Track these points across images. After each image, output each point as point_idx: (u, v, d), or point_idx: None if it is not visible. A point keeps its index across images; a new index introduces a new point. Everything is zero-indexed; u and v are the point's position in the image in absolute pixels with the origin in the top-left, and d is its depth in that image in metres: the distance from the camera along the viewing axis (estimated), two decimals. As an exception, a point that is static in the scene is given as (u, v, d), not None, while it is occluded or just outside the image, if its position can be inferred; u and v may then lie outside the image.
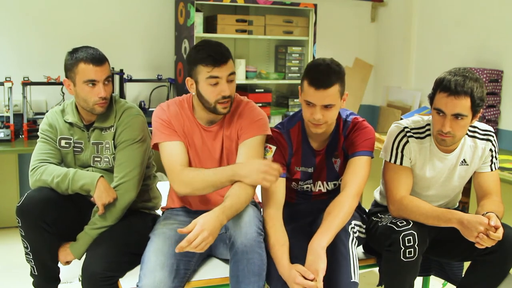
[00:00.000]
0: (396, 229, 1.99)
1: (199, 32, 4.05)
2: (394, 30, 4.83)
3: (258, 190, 2.14)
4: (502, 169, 3.01)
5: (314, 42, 4.40)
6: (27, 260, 2.13)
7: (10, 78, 3.59)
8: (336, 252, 1.97)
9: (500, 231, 1.90)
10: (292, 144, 2.20)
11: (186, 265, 2.01)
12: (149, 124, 2.15)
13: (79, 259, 2.11)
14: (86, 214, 2.18)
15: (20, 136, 3.74)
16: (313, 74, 2.03)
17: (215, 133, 2.14)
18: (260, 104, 4.31)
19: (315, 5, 4.34)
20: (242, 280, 1.88)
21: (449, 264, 2.39)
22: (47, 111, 2.32)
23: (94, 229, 2.11)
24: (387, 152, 2.22)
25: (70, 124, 2.22)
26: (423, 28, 4.49)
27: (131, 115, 2.21)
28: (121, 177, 2.15)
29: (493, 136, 2.22)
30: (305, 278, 1.85)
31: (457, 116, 2.00)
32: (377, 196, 2.46)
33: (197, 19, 4.03)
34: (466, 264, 2.25)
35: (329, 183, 2.26)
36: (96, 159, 2.23)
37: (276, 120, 4.45)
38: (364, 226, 2.21)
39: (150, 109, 4.01)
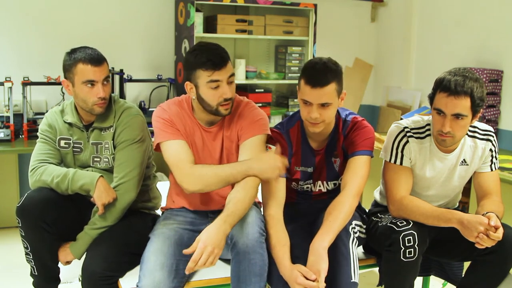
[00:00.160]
0: (396, 229, 1.99)
1: (199, 32, 4.04)
2: (394, 30, 4.83)
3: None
4: (502, 169, 3.01)
5: (314, 42, 4.40)
6: (27, 260, 2.13)
7: (10, 78, 3.59)
8: (337, 252, 1.97)
9: (500, 231, 1.90)
10: (291, 144, 2.20)
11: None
12: (149, 124, 2.14)
13: (79, 259, 2.11)
14: (86, 214, 2.17)
15: (20, 136, 3.74)
16: (310, 72, 2.03)
17: (215, 133, 2.13)
18: (260, 104, 4.31)
19: (315, 5, 4.34)
20: (243, 281, 1.87)
21: (449, 264, 2.39)
22: (47, 111, 2.32)
23: (94, 229, 2.10)
24: (387, 152, 2.22)
25: (70, 124, 2.22)
26: (423, 28, 4.48)
27: (130, 115, 2.20)
28: (121, 177, 2.14)
29: (493, 136, 2.22)
30: (307, 279, 1.85)
31: (457, 116, 2.00)
32: (377, 196, 2.46)
33: (197, 19, 4.03)
34: (466, 264, 2.24)
35: (329, 182, 2.26)
36: (95, 159, 2.23)
37: (276, 120, 4.44)
38: (364, 226, 2.21)
39: (150, 109, 4.01)
